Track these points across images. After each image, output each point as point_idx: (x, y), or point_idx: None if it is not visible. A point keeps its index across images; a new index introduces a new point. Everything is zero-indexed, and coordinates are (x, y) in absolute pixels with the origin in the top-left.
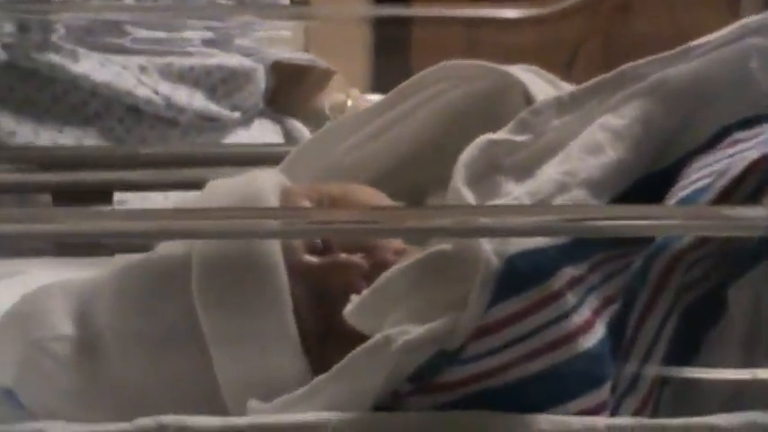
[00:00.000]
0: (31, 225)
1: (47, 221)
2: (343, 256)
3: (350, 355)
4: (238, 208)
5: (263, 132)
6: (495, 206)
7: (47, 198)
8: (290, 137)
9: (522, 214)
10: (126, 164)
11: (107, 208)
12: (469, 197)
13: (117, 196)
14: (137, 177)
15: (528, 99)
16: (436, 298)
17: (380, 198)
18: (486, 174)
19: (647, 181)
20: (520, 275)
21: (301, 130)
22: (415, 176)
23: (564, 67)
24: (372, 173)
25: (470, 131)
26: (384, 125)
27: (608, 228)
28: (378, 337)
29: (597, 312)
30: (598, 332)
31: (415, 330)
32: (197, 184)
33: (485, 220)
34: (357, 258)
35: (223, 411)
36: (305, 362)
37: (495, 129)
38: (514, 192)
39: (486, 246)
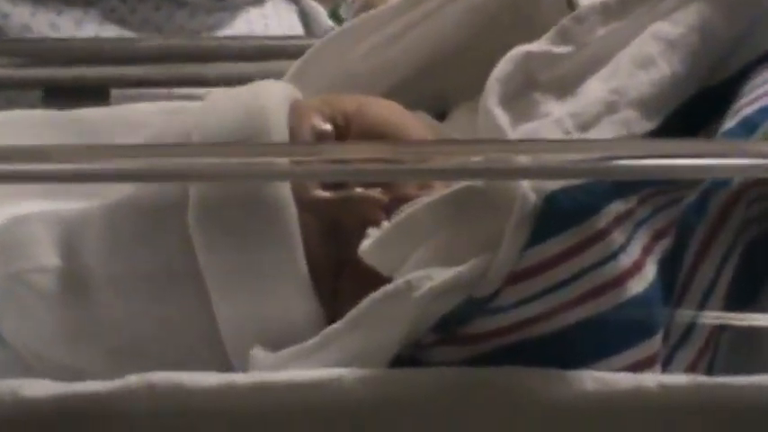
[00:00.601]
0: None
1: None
2: (359, 190)
3: (366, 301)
4: (240, 144)
5: (278, 12)
6: (536, 142)
7: (38, 94)
8: (306, 17)
9: (565, 151)
10: (124, 58)
11: (102, 109)
12: (503, 119)
13: (114, 93)
14: (135, 73)
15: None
16: (466, 237)
17: (398, 113)
18: (522, 91)
19: (702, 95)
20: (561, 213)
21: (318, 9)
22: (439, 84)
23: None
24: (392, 80)
25: (500, 35)
26: (405, 27)
27: (673, 168)
28: (398, 281)
29: (647, 250)
30: (649, 274)
31: (441, 274)
32: (200, 81)
33: (524, 159)
34: (375, 193)
35: (225, 356)
36: (316, 304)
37: (528, 31)
38: (554, 112)
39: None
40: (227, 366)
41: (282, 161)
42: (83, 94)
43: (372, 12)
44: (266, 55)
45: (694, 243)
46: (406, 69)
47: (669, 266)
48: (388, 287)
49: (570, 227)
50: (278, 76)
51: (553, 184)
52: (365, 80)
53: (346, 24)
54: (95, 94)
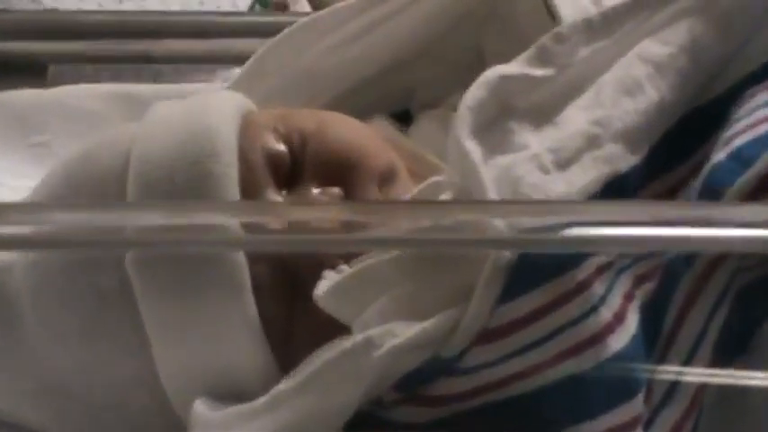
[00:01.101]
0: None
1: None
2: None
3: (320, 359)
4: (183, 204)
5: None
6: (511, 203)
7: None
8: None
9: (543, 214)
10: (64, 32)
11: (36, 92)
12: (476, 154)
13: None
14: (76, 48)
15: None
16: (432, 290)
17: (359, 134)
18: (496, 119)
19: (689, 117)
20: (537, 267)
21: None
22: (405, 81)
23: None
24: (355, 78)
25: (471, 33)
26: (368, 24)
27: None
28: (357, 338)
29: (629, 296)
30: (631, 325)
31: (405, 331)
32: (146, 58)
33: (499, 224)
34: None
35: (166, 403)
36: (267, 351)
37: (501, 32)
38: (532, 145)
39: (499, 225)
40: (168, 414)
41: (232, 222)
42: (18, 71)
43: (335, 6)
44: (215, 33)
45: (680, 292)
46: (370, 67)
47: (653, 315)
48: (346, 344)
49: (547, 281)
50: (227, 54)
51: None
52: (326, 78)
53: (305, 18)
54: (31, 71)
